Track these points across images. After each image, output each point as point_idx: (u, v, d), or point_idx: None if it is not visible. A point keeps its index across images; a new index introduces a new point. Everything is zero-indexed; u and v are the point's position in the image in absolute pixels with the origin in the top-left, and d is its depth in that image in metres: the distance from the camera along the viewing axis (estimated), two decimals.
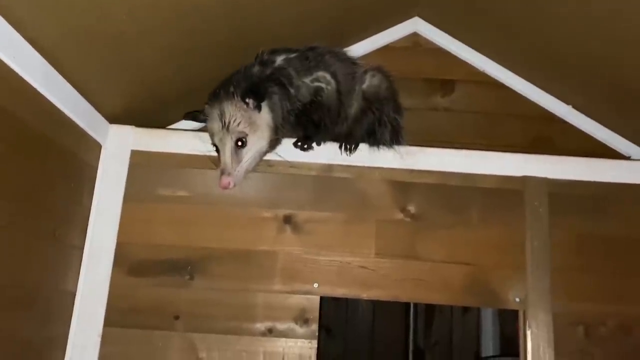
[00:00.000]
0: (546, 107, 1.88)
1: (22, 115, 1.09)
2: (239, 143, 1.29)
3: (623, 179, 1.50)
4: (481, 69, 1.92)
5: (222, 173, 1.27)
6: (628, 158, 1.80)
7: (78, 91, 1.29)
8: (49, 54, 1.13)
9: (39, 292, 1.22)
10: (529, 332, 1.39)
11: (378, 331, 3.61)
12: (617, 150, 1.83)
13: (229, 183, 1.26)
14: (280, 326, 1.39)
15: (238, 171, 1.28)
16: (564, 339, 1.39)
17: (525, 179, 1.48)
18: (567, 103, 1.86)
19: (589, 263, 1.45)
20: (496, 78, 1.91)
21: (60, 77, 1.21)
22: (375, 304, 3.59)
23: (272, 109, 1.32)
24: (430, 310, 3.36)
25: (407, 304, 3.40)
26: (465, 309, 3.14)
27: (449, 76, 1.93)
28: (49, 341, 1.27)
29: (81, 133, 1.35)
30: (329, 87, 1.40)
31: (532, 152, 1.53)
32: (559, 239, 1.45)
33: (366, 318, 3.66)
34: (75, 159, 1.35)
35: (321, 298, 1.42)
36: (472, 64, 1.92)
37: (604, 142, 1.84)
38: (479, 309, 3.00)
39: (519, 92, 1.90)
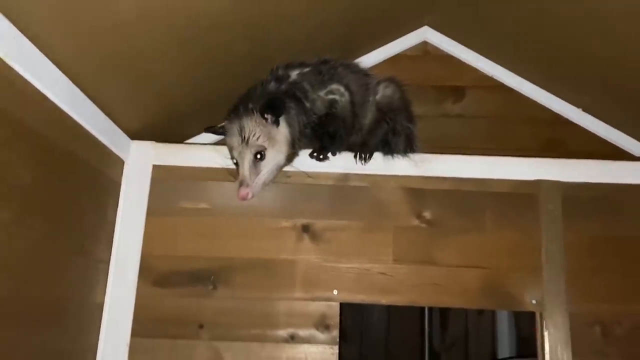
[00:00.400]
0: (556, 110, 1.91)
1: (49, 134, 1.14)
2: (258, 156, 1.32)
3: (635, 180, 1.52)
4: (490, 75, 1.95)
5: (241, 184, 1.31)
6: (639, 159, 1.81)
7: (100, 109, 1.33)
8: (73, 75, 1.18)
9: (70, 304, 1.26)
10: (546, 334, 1.41)
11: (393, 335, 3.62)
12: (628, 151, 1.85)
13: (247, 194, 1.30)
14: (302, 333, 1.42)
15: (256, 183, 1.32)
16: (581, 340, 1.41)
17: (538, 183, 1.51)
18: (577, 106, 1.88)
19: (604, 264, 1.47)
20: (506, 83, 1.94)
21: (83, 96, 1.25)
22: (390, 308, 3.61)
23: (289, 124, 1.36)
24: (445, 312, 3.37)
25: (422, 307, 3.42)
26: (480, 311, 3.16)
27: (459, 83, 1.96)
28: (79, 352, 1.31)
29: (104, 149, 1.40)
30: (342, 99, 1.44)
31: (544, 155, 1.55)
32: (573, 241, 1.47)
33: (381, 322, 3.67)
34: (100, 174, 1.39)
35: (340, 304, 1.45)
36: (482, 70, 1.95)
37: (614, 143, 1.86)
38: (494, 311, 3.03)
39: (528, 96, 1.93)
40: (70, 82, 1.19)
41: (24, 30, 1.00)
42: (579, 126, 1.89)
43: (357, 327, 3.61)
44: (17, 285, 1.05)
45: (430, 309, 3.41)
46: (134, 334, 1.40)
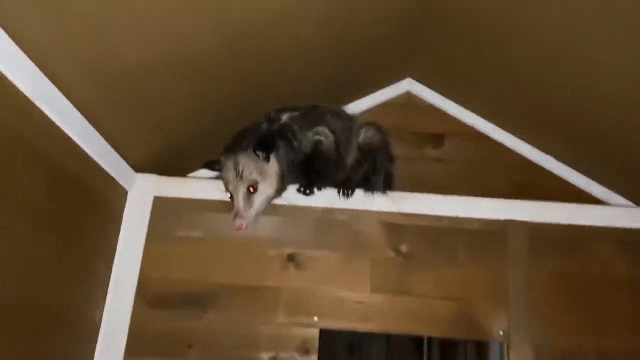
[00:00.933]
0: (528, 157, 2.03)
1: (62, 162, 1.28)
2: (251, 189, 1.44)
3: (599, 223, 1.64)
4: (468, 124, 2.09)
5: (236, 216, 1.43)
6: (605, 203, 1.94)
7: (109, 143, 1.47)
8: (86, 111, 1.32)
9: (70, 318, 1.37)
10: None
11: None
12: (595, 196, 1.96)
13: (242, 224, 1.42)
14: (283, 355, 1.52)
15: (250, 214, 1.43)
16: None
17: (507, 223, 1.63)
18: (548, 153, 2.01)
19: (567, 299, 1.57)
20: (482, 131, 2.07)
21: (94, 130, 1.39)
22: (389, 357, 3.63)
23: (279, 160, 1.49)
24: None
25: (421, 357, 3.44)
26: None
27: (440, 130, 2.10)
28: None
29: (111, 180, 1.54)
30: (327, 140, 1.58)
31: (515, 198, 1.68)
32: (539, 277, 1.58)
33: None
34: (105, 202, 1.53)
35: (322, 332, 1.55)
36: (460, 119, 2.09)
37: (582, 188, 1.97)
38: None
39: (503, 143, 2.05)
40: (84, 119, 1.33)
41: (45, 71, 1.15)
42: (549, 172, 2.01)
43: None
44: (25, 293, 1.17)
45: None
46: (128, 350, 1.50)
